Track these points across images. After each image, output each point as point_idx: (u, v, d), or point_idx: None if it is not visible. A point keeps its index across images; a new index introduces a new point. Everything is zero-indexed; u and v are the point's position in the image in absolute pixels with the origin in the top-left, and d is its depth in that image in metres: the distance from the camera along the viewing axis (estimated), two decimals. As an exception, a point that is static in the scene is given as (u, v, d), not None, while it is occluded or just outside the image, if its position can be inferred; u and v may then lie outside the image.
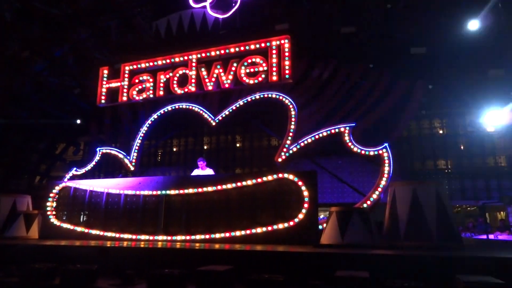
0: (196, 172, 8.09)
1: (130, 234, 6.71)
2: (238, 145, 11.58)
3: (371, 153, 7.23)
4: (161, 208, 6.67)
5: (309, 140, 7.62)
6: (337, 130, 7.54)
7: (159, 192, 6.76)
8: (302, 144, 7.62)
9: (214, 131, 11.26)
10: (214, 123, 8.59)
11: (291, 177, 6.12)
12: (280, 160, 7.59)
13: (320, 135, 7.60)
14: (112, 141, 9.85)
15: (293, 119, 7.85)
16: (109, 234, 6.85)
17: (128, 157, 8.78)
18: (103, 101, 9.32)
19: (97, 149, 9.03)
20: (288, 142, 7.69)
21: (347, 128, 7.43)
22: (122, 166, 8.89)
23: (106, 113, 10.14)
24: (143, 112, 9.42)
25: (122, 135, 9.46)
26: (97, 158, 8.99)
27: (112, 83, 9.37)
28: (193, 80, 8.72)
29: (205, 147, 12.06)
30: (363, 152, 7.29)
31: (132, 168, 8.70)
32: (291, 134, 7.74)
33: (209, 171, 8.04)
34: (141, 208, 6.81)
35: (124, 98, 9.19)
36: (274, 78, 7.96)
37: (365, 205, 6.73)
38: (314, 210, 5.86)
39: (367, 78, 8.45)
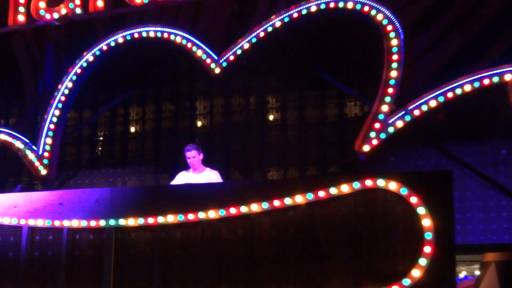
0: (181, 177, 8.19)
1: (44, 314, 6.86)
2: (272, 116, 11.49)
3: None
4: (108, 258, 6.79)
5: (432, 104, 7.63)
6: (496, 78, 7.50)
7: (102, 223, 6.85)
8: (416, 112, 7.64)
9: (218, 89, 11.26)
10: (218, 70, 8.61)
11: (392, 186, 6.13)
12: (367, 148, 7.72)
13: (458, 90, 7.58)
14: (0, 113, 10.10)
15: (394, 57, 7.89)
16: (-1, 312, 6.98)
17: (35, 148, 8.89)
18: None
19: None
20: (385, 108, 7.74)
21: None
22: (22, 166, 9.09)
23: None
24: (63, 49, 9.50)
25: (20, 101, 9.69)
26: (-33, 149, 9.14)
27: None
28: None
29: (199, 124, 12.04)
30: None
31: (43, 172, 8.83)
32: (390, 90, 7.79)
33: (210, 175, 8.14)
34: (66, 257, 6.93)
35: (21, 19, 9.25)
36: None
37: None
38: (447, 260, 5.90)
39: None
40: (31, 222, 7.08)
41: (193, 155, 7.98)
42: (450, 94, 7.61)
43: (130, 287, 6.72)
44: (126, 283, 6.72)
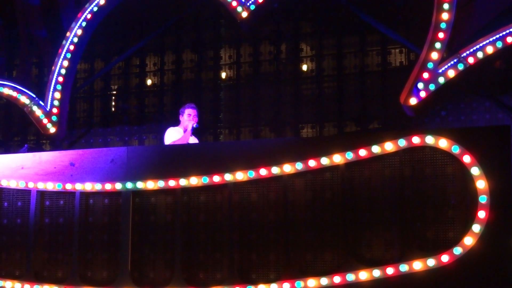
0: (172, 134, 8.53)
1: (55, 285, 6.89)
2: (306, 66, 11.42)
3: None
4: (126, 224, 6.81)
5: (489, 50, 7.52)
6: None
7: (118, 186, 6.86)
8: (470, 60, 7.51)
9: (245, 36, 11.11)
10: (245, 14, 8.58)
11: (443, 143, 6.08)
12: (414, 101, 7.63)
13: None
14: (3, 66, 9.95)
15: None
16: (7, 283, 7.06)
17: (42, 103, 8.89)
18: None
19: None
20: (435, 55, 7.63)
21: None
22: (28, 124, 9.10)
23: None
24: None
25: (24, 52, 9.59)
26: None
27: None
28: None
29: (224, 75, 11.98)
30: None
31: (51, 130, 8.85)
32: (441, 34, 7.64)
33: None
34: (78, 224, 6.94)
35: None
36: None
37: None
38: (503, 226, 5.85)
39: None
40: (40, 185, 7.09)
41: (196, 113, 8.33)
42: (509, 39, 7.48)
43: (150, 257, 6.70)
44: (146, 252, 6.73)
